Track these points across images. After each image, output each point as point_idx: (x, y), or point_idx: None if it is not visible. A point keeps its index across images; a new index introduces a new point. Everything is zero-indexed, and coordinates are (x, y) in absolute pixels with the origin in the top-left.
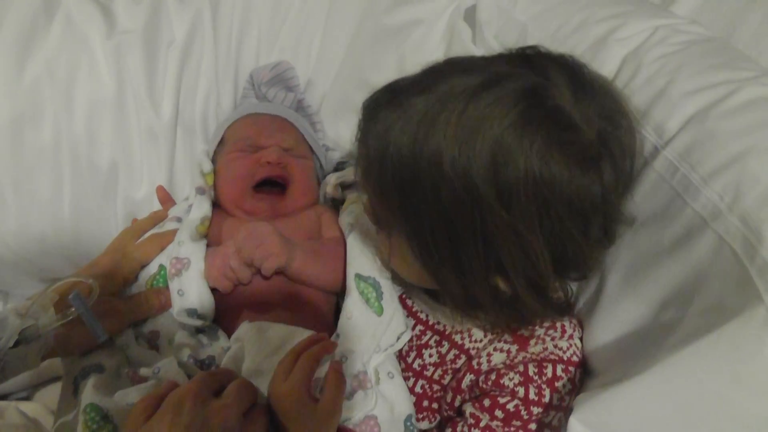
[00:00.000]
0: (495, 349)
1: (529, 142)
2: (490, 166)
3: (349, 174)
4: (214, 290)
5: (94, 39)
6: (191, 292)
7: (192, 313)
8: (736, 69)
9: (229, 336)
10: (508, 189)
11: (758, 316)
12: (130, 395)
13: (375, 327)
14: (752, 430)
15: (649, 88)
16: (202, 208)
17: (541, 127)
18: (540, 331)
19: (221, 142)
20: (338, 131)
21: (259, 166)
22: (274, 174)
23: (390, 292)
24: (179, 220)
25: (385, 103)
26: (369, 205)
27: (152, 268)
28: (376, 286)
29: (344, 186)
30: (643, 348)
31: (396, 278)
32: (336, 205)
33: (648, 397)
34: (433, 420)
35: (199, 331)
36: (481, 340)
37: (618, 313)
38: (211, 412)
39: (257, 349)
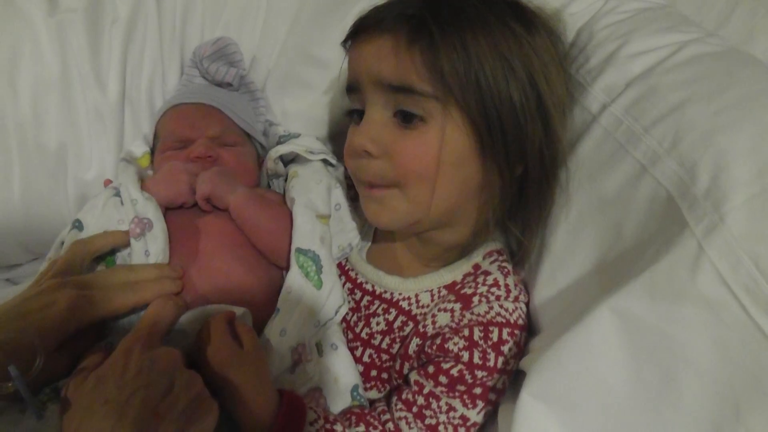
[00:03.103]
0: (439, 310)
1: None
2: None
3: (288, 148)
4: None
5: (35, 17)
6: (154, 248)
7: None
8: (682, 32)
9: None
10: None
11: (690, 250)
12: None
13: (314, 301)
14: (698, 364)
15: (601, 52)
16: (130, 169)
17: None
18: (482, 289)
19: (156, 137)
20: (284, 106)
21: (191, 161)
22: (205, 168)
23: (329, 265)
24: (115, 189)
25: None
26: (401, 109)
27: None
28: (316, 260)
29: (285, 161)
30: (587, 296)
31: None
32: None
33: (592, 343)
34: (382, 390)
35: None
36: (427, 305)
37: (563, 266)
38: (157, 357)
39: None
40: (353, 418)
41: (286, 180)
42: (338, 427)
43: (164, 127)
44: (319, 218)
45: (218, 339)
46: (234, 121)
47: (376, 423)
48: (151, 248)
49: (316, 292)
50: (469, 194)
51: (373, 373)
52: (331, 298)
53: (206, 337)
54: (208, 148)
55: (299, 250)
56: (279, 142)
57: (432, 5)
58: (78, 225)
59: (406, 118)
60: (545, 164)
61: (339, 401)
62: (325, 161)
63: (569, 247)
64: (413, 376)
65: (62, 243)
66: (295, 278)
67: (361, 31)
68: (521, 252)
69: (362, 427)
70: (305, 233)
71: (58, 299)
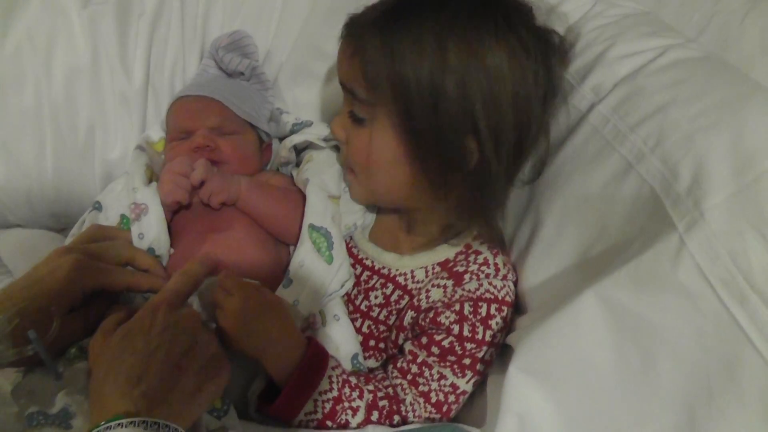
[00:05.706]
0: (433, 286)
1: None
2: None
3: (302, 137)
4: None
5: (70, 9)
6: (150, 232)
7: (150, 253)
8: (665, 37)
9: None
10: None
11: (672, 243)
12: None
13: (324, 275)
14: (676, 349)
15: (589, 54)
16: (141, 158)
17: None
18: (473, 267)
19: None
20: (295, 96)
21: (192, 152)
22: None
23: (339, 242)
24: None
25: (392, 26)
26: (351, 109)
27: (113, 219)
28: (328, 236)
29: (298, 149)
30: (574, 283)
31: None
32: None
33: (578, 324)
34: (379, 359)
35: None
36: (422, 281)
37: (551, 254)
38: (181, 316)
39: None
40: (362, 378)
41: (298, 166)
42: (353, 379)
43: (170, 119)
44: (330, 198)
45: (245, 290)
46: (234, 112)
47: (380, 386)
48: (145, 232)
49: (327, 266)
50: (411, 190)
51: (371, 342)
52: (340, 273)
53: (224, 294)
54: (206, 139)
55: (312, 227)
56: (292, 131)
57: (383, 16)
58: (98, 206)
59: (354, 117)
60: (487, 165)
61: None
62: (336, 147)
63: (557, 237)
64: (408, 346)
65: (84, 222)
66: (307, 253)
67: (343, 31)
68: (498, 240)
69: (372, 386)
70: (318, 211)
71: (63, 262)
